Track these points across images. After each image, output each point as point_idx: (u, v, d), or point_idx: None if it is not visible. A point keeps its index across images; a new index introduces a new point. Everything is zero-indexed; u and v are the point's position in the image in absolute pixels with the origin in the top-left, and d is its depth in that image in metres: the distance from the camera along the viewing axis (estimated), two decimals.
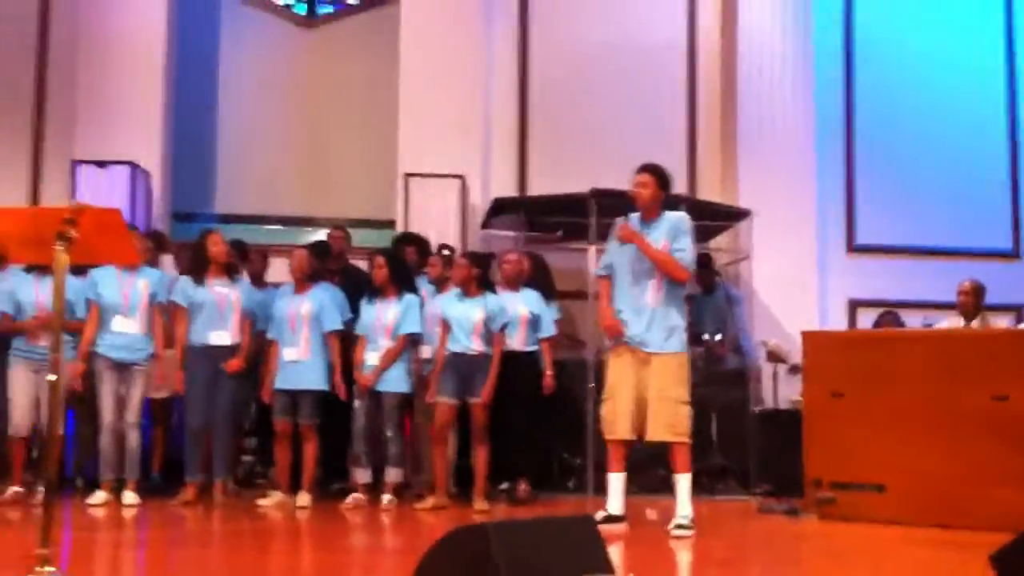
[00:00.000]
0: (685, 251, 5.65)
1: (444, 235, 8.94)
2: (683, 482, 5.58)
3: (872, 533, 5.79)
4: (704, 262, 8.68)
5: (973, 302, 7.59)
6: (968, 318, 7.55)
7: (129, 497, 6.47)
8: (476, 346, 6.55)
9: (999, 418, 5.92)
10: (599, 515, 5.56)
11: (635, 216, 5.82)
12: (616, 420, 5.64)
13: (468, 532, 2.91)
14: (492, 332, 6.61)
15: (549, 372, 7.08)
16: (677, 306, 5.71)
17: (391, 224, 9.43)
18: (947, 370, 6.17)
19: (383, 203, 9.78)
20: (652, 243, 5.65)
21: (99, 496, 6.46)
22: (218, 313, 6.70)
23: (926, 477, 6.08)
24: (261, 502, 6.54)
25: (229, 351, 6.70)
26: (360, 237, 9.70)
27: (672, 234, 5.66)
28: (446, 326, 6.63)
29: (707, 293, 8.95)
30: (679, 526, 5.45)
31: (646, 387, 5.59)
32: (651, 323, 5.61)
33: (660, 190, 5.74)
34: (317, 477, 6.98)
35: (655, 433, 5.56)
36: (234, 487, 7.20)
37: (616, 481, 5.70)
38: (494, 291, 6.80)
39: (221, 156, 10.32)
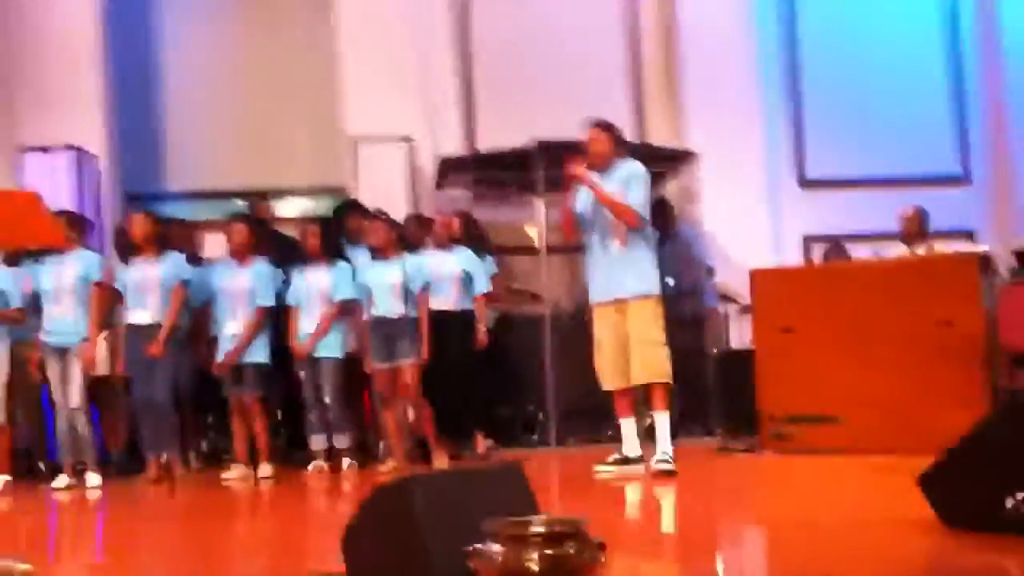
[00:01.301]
0: (636, 198, 5.71)
1: (395, 199, 8.92)
2: (662, 420, 5.70)
3: (827, 463, 5.89)
4: (659, 207, 8.68)
5: (915, 229, 7.63)
6: (912, 244, 7.60)
7: (92, 479, 6.49)
8: (397, 309, 6.57)
9: (944, 342, 6.01)
10: (611, 457, 5.76)
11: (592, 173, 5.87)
12: (604, 372, 5.80)
13: (391, 489, 2.92)
14: (413, 294, 6.61)
15: (482, 327, 7.11)
16: (646, 251, 5.79)
17: (342, 191, 9.39)
18: (892, 299, 6.25)
19: (335, 170, 9.73)
20: (610, 192, 5.71)
21: (61, 480, 6.49)
22: (139, 292, 6.70)
23: (877, 406, 6.18)
24: (225, 475, 6.58)
25: (155, 329, 6.67)
26: (313, 206, 9.70)
27: (625, 182, 5.72)
28: (371, 292, 6.66)
29: (666, 238, 8.95)
30: (661, 462, 5.55)
31: (626, 334, 5.70)
32: (623, 270, 5.71)
33: (612, 144, 5.85)
34: (281, 448, 7.01)
35: (636, 376, 5.71)
36: (198, 463, 7.25)
37: (625, 425, 5.83)
38: (415, 252, 6.81)
39: (168, 134, 10.22)
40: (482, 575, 2.41)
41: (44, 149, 9.00)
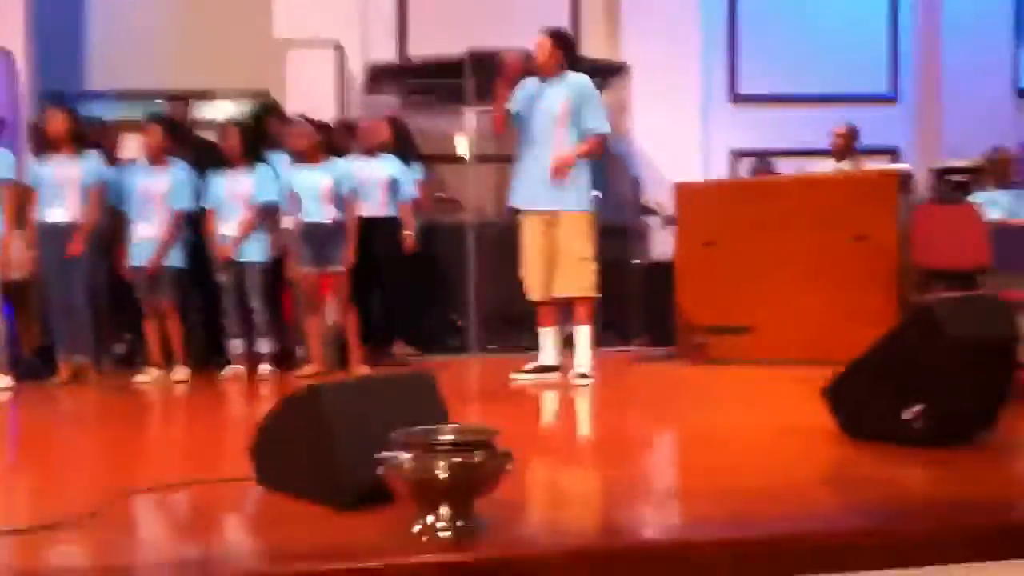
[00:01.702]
0: (598, 120, 5.74)
1: (323, 104, 8.77)
2: (583, 333, 5.75)
3: (739, 373, 6.01)
4: None
5: (845, 144, 7.72)
6: (839, 159, 7.69)
7: (1, 381, 6.37)
8: (327, 213, 6.49)
9: (859, 257, 6.14)
10: (529, 364, 5.79)
11: (533, 79, 5.84)
12: (531, 282, 5.81)
13: (303, 396, 2.91)
14: (341, 198, 6.52)
15: (408, 232, 7.07)
16: (583, 166, 5.76)
17: (270, 95, 9.19)
18: (812, 214, 6.34)
19: (260, 74, 9.49)
20: (552, 102, 5.70)
21: None
22: (56, 190, 6.51)
23: (792, 317, 6.31)
24: (138, 378, 6.50)
25: (73, 228, 6.52)
26: (239, 110, 9.48)
27: (578, 98, 5.70)
28: (297, 196, 6.55)
29: None
30: (581, 375, 5.63)
31: (555, 246, 5.71)
32: (558, 182, 5.68)
33: (556, 49, 5.77)
34: (198, 351, 6.94)
35: (561, 288, 5.74)
36: (112, 366, 7.16)
37: (545, 335, 5.85)
38: (341, 157, 6.71)
39: (89, 32, 9.87)
40: (390, 483, 2.43)
41: None
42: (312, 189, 6.50)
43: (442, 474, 2.39)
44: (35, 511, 2.85)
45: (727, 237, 6.61)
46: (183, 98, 8.19)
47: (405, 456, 2.42)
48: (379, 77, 8.95)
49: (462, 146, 8.81)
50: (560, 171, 5.65)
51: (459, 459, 2.41)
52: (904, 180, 6.83)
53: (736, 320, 6.48)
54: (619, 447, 3.93)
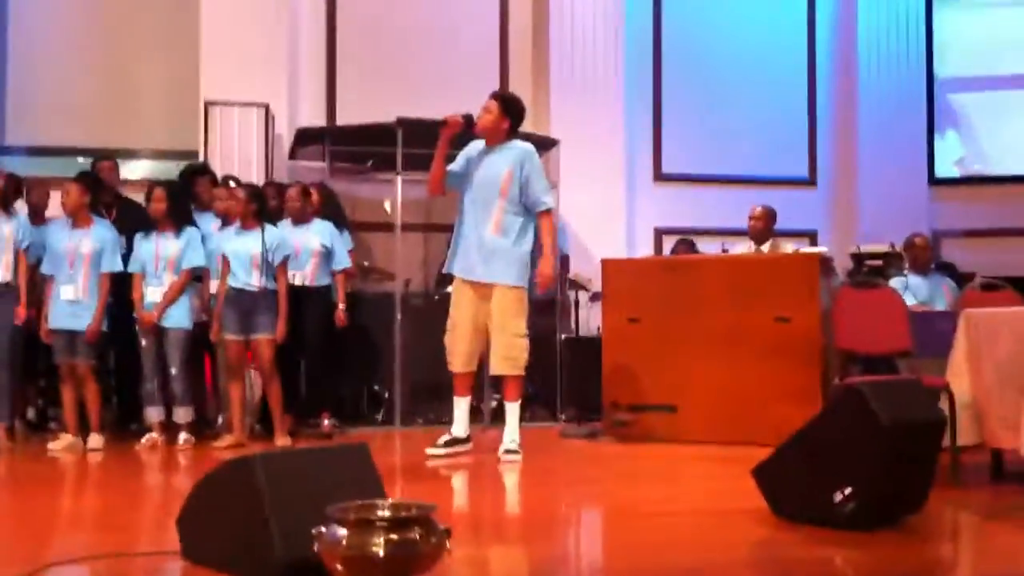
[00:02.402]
0: (540, 193, 5.68)
1: (248, 166, 8.70)
2: (513, 409, 5.71)
3: (664, 452, 6.04)
4: None
5: (763, 227, 7.87)
6: (759, 242, 7.85)
7: None
8: (256, 281, 6.38)
9: (782, 339, 6.24)
10: (443, 439, 5.72)
11: (478, 143, 5.81)
12: (454, 353, 5.73)
13: (235, 464, 2.86)
14: (272, 266, 6.47)
15: (341, 305, 6.98)
16: (519, 237, 5.70)
17: (195, 155, 9.10)
18: (735, 294, 6.44)
19: (186, 133, 9.41)
20: (496, 169, 5.65)
21: None
22: None
23: (714, 397, 6.38)
24: (51, 445, 6.27)
25: (6, 289, 6.35)
26: (163, 169, 9.38)
27: (522, 170, 5.65)
28: (227, 261, 6.46)
29: None
30: (508, 451, 5.58)
31: (487, 319, 5.66)
32: (492, 254, 5.63)
33: (503, 117, 5.71)
34: (113, 419, 6.75)
35: (496, 367, 5.69)
36: (24, 431, 6.93)
37: (460, 405, 5.79)
38: (274, 224, 6.65)
39: (10, 84, 9.70)
40: (326, 559, 2.38)
41: None
42: (243, 254, 6.38)
43: (379, 551, 2.35)
44: None
45: (651, 314, 6.68)
46: (106, 156, 8.04)
47: (341, 531, 2.38)
48: (306, 140, 8.93)
49: (389, 214, 8.81)
50: (548, 281, 5.63)
51: (396, 535, 2.37)
52: (824, 263, 7.00)
53: (660, 398, 6.53)
54: (545, 524, 3.90)
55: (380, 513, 2.43)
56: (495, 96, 5.81)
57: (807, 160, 11.02)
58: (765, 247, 7.75)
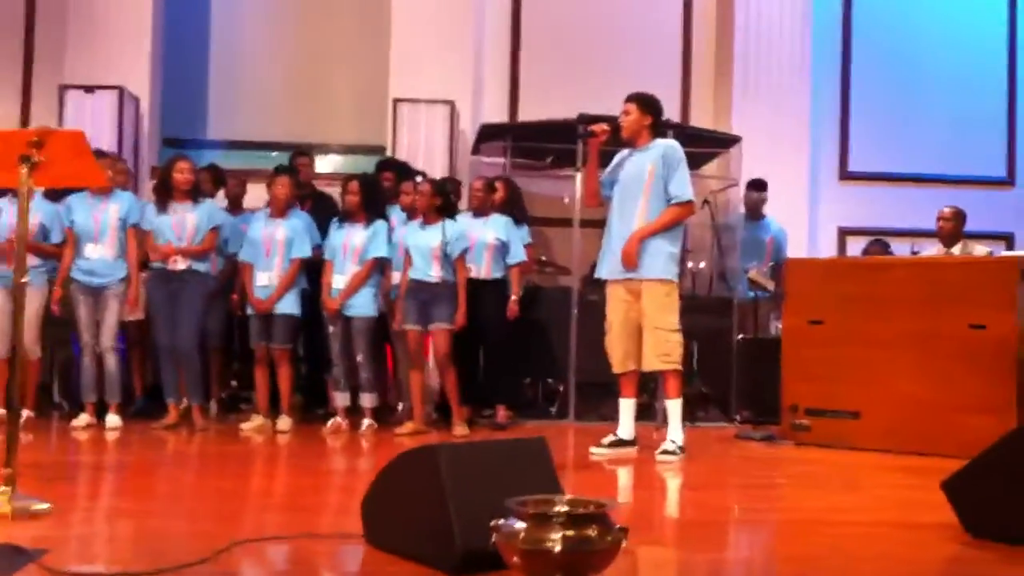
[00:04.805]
0: (680, 187, 5.67)
1: (433, 161, 8.95)
2: (673, 408, 5.69)
3: (845, 459, 5.85)
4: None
5: (952, 228, 7.56)
6: (947, 244, 7.51)
7: (111, 420, 6.53)
8: (435, 273, 6.54)
9: (975, 347, 5.94)
10: (607, 439, 5.73)
11: (626, 151, 5.87)
12: (613, 354, 5.78)
13: (418, 454, 2.93)
14: (451, 258, 6.59)
15: (514, 298, 7.07)
16: (667, 234, 5.70)
17: (382, 150, 9.39)
18: (926, 298, 6.17)
19: (375, 129, 9.72)
20: (640, 169, 5.69)
21: (82, 419, 6.54)
22: (175, 238, 6.65)
23: (900, 404, 6.13)
24: (243, 426, 6.60)
25: (187, 274, 6.64)
26: (351, 163, 9.71)
27: (664, 165, 5.66)
28: (408, 254, 6.63)
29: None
30: (664, 451, 5.56)
31: (640, 317, 5.66)
32: (640, 250, 5.63)
33: (644, 116, 5.76)
34: (300, 402, 7.04)
35: (648, 363, 5.69)
36: (217, 411, 7.30)
37: (624, 406, 5.81)
38: (454, 218, 6.77)
39: (213, 81, 10.22)
40: (503, 551, 2.41)
41: (87, 88, 9.02)
42: (424, 248, 6.57)
43: (556, 547, 2.36)
44: (140, 555, 2.90)
45: (835, 316, 6.47)
46: (300, 150, 8.39)
47: (519, 525, 2.41)
48: (489, 136, 9.07)
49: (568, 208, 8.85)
50: (629, 258, 5.62)
51: (573, 532, 2.38)
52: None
53: (841, 403, 6.33)
54: (721, 528, 3.84)
55: (557, 508, 2.44)
56: (631, 98, 5.84)
57: (1005, 158, 10.48)
58: (955, 249, 7.42)
